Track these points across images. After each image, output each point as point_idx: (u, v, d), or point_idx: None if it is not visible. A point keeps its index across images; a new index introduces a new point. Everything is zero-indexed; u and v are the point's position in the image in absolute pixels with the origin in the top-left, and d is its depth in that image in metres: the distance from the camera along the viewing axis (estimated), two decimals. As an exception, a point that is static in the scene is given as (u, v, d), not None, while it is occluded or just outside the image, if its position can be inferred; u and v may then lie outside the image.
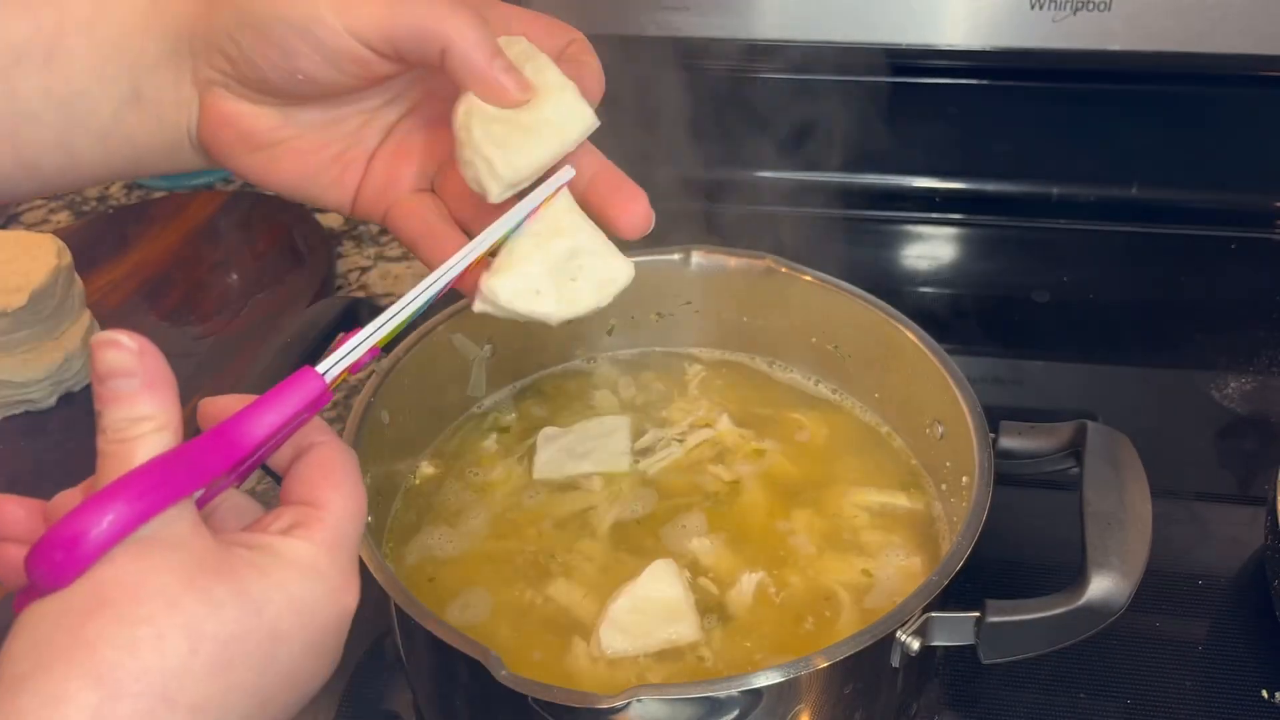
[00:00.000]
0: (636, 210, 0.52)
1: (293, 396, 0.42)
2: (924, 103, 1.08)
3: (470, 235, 0.53)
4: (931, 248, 1.13)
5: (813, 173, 1.08)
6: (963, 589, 0.60)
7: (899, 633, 0.57)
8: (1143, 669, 0.70)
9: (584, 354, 0.84)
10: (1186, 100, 1.06)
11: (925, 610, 0.57)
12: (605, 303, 0.54)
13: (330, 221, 1.11)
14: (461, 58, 0.47)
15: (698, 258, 0.80)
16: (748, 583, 0.67)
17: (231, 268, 1.03)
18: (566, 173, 0.52)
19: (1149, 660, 0.71)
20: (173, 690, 0.35)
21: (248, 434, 0.40)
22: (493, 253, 0.52)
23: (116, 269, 1.01)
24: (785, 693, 0.55)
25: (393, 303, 0.49)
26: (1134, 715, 0.68)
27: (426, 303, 0.49)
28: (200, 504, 0.40)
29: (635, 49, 0.94)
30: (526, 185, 0.51)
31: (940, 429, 0.71)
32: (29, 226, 1.15)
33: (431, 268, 0.51)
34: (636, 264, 0.54)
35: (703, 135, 0.91)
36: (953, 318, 0.97)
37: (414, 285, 0.50)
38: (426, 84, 0.54)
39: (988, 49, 1.01)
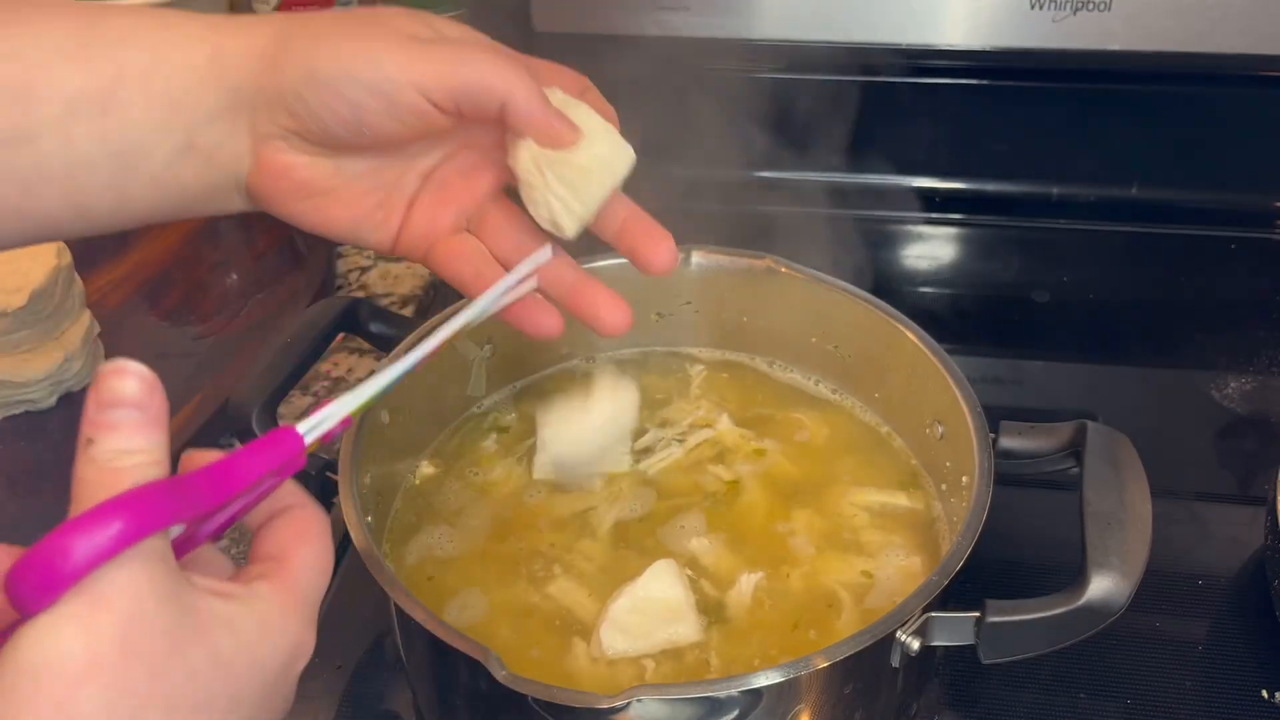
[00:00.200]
0: (665, 250, 0.58)
1: (274, 450, 0.42)
2: (924, 103, 1.08)
3: (507, 269, 0.58)
4: (931, 248, 1.13)
5: (813, 173, 1.08)
6: (963, 589, 0.60)
7: (899, 633, 0.57)
8: (1143, 669, 0.70)
9: (584, 354, 0.84)
10: (1186, 100, 1.06)
11: (925, 610, 0.57)
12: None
13: (330, 221, 1.10)
14: (523, 110, 0.52)
15: (698, 258, 0.80)
16: (747, 583, 0.67)
17: (231, 268, 1.03)
18: (544, 253, 0.58)
19: (1149, 660, 0.71)
20: None
21: (228, 479, 0.40)
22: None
23: (116, 269, 1.01)
24: (785, 693, 0.55)
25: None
26: (1134, 715, 0.68)
27: (402, 374, 0.50)
28: (178, 554, 0.40)
29: (635, 49, 0.94)
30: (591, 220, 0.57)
31: (940, 429, 0.71)
32: (29, 226, 1.15)
33: None
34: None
35: (703, 135, 0.91)
36: (953, 318, 0.97)
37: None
38: (463, 135, 0.57)
39: (988, 49, 1.01)
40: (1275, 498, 0.71)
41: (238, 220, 1.10)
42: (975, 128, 1.10)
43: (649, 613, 0.64)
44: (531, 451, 0.76)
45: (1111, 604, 0.57)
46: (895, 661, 0.58)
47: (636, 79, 0.88)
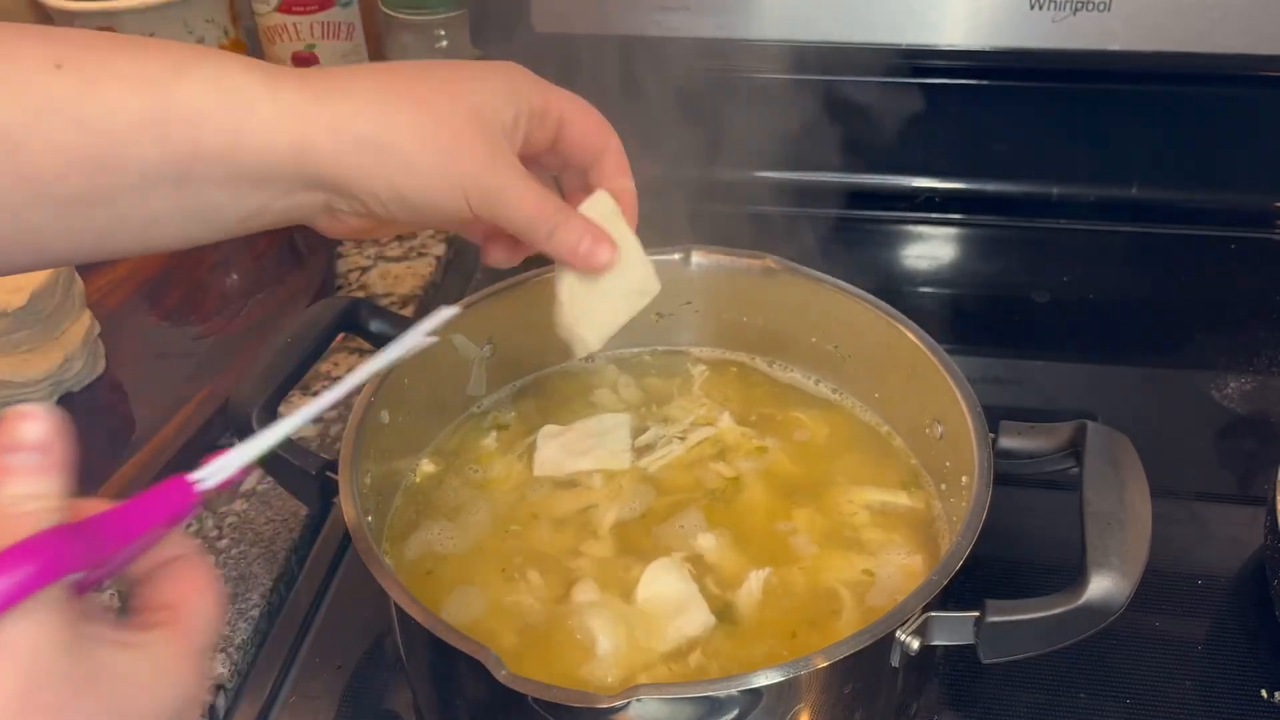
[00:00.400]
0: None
1: (169, 498, 0.42)
2: (924, 103, 1.08)
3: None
4: (931, 248, 1.13)
5: (813, 173, 1.08)
6: (962, 589, 0.60)
7: (899, 632, 0.57)
8: (1143, 669, 0.70)
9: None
10: (1186, 100, 1.06)
11: (925, 610, 0.57)
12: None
13: (330, 221, 1.10)
14: (564, 249, 0.59)
15: (698, 258, 0.80)
16: (755, 580, 0.67)
17: (231, 268, 1.03)
18: (447, 310, 0.60)
19: (1149, 660, 0.71)
20: None
21: (126, 527, 0.40)
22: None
23: (117, 269, 1.01)
24: (785, 692, 0.55)
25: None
26: (1134, 715, 0.68)
27: (303, 423, 0.50)
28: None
29: (635, 49, 0.94)
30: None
31: (940, 429, 0.71)
32: (29, 226, 1.15)
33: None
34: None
35: (703, 135, 0.91)
36: (953, 318, 0.97)
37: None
38: None
39: (987, 49, 1.01)
40: (1275, 497, 0.71)
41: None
42: (975, 128, 1.10)
43: (659, 614, 0.64)
44: (531, 449, 0.76)
45: (1111, 604, 0.57)
46: (895, 661, 0.58)
47: (636, 79, 0.88)
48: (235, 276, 1.02)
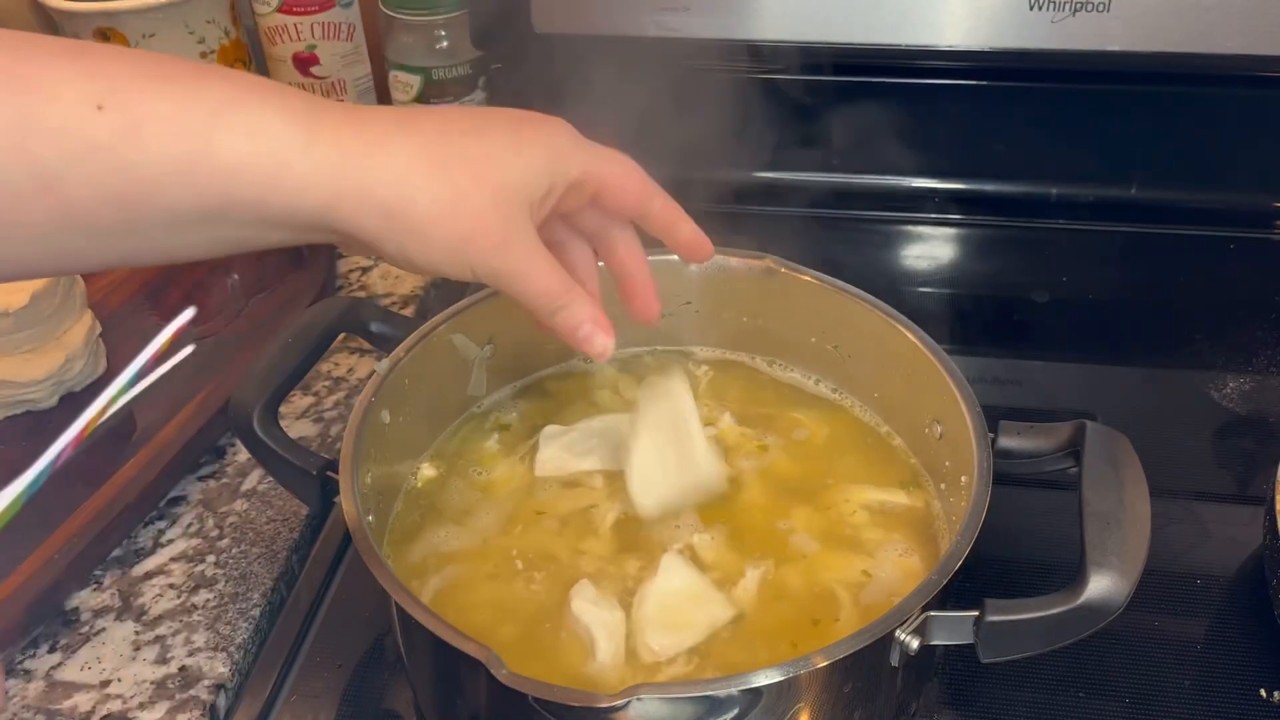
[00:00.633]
0: (650, 303, 0.67)
1: None
2: (923, 103, 1.08)
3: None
4: (931, 248, 1.13)
5: (812, 173, 1.08)
6: (962, 588, 0.60)
7: (898, 632, 0.57)
8: (1142, 668, 0.70)
9: (583, 354, 0.84)
10: (1186, 100, 1.06)
11: (924, 609, 0.57)
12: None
13: (331, 222, 1.10)
14: (564, 330, 0.60)
15: (698, 258, 0.80)
16: (751, 578, 0.67)
17: (231, 268, 1.03)
18: (188, 313, 0.58)
19: (1148, 660, 0.71)
20: None
21: None
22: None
23: (118, 269, 1.01)
24: (785, 692, 0.55)
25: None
26: (1133, 715, 0.68)
27: (42, 473, 0.49)
28: None
29: (635, 49, 0.94)
30: None
31: (939, 428, 0.71)
32: (30, 227, 1.15)
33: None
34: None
35: (703, 136, 0.91)
36: (952, 318, 0.97)
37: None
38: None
39: (987, 49, 1.01)
40: (1274, 497, 0.71)
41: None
42: (974, 128, 1.10)
43: (680, 608, 0.64)
44: (533, 450, 0.77)
45: (1110, 603, 0.57)
46: (894, 661, 0.58)
47: (636, 79, 0.88)
48: (236, 277, 1.02)
